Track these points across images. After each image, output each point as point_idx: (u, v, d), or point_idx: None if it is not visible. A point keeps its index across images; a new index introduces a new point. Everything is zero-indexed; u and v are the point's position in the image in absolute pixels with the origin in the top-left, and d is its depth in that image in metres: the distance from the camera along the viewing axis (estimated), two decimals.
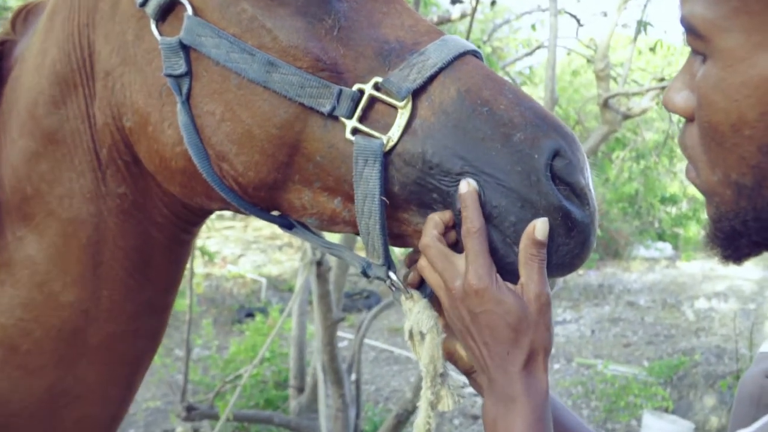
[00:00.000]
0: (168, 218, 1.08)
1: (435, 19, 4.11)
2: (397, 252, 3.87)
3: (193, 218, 1.11)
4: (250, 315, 7.85)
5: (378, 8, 0.93)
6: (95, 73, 1.01)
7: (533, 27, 5.63)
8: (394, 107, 0.87)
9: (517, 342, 0.82)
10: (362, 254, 0.96)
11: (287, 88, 0.87)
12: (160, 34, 0.94)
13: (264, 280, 10.00)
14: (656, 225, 14.04)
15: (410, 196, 0.87)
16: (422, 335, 0.89)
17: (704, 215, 0.81)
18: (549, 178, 0.83)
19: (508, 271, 0.85)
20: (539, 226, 0.82)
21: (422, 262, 0.88)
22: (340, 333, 4.93)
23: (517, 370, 0.82)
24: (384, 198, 0.86)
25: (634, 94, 4.69)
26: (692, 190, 11.25)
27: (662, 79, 5.21)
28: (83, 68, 1.01)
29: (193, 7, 0.93)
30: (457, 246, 0.87)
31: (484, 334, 0.83)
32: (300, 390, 4.69)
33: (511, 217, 0.83)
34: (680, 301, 9.59)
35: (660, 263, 12.53)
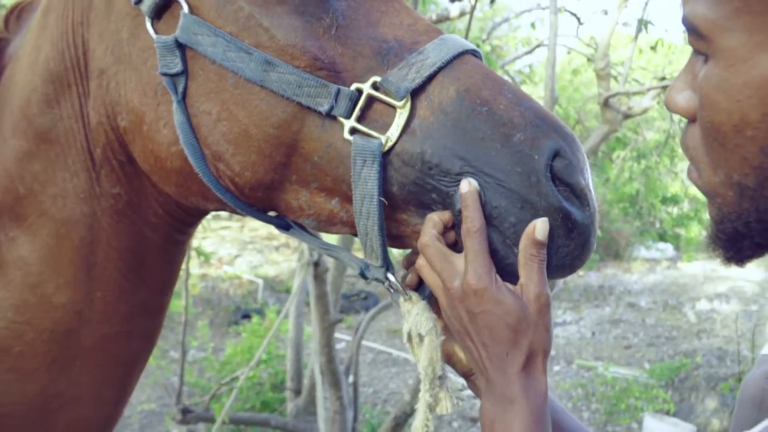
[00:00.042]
0: (163, 218, 1.07)
1: (434, 17, 4.12)
2: (395, 253, 3.85)
3: (188, 218, 1.10)
4: (247, 316, 7.84)
5: (376, 7, 0.92)
6: (89, 72, 1.00)
7: (533, 25, 5.63)
8: (393, 107, 0.86)
9: (517, 343, 0.82)
10: (360, 255, 0.96)
11: (285, 87, 0.86)
12: (156, 32, 0.93)
13: (260, 281, 9.99)
14: (657, 225, 14.02)
15: (409, 197, 0.87)
16: (421, 337, 0.89)
17: (706, 215, 0.81)
18: (549, 178, 0.83)
19: (507, 272, 0.84)
20: (539, 227, 0.81)
21: (420, 262, 0.87)
22: (337, 335, 4.94)
23: (516, 371, 0.82)
24: (382, 199, 0.85)
25: (635, 93, 4.68)
26: (694, 190, 11.23)
27: (663, 78, 5.21)
28: (77, 66, 1.00)
29: (189, 5, 0.92)
30: (455, 247, 0.86)
31: (482, 334, 0.82)
32: (297, 392, 4.68)
33: (511, 217, 0.83)
34: (681, 302, 9.58)
35: (661, 264, 12.52)
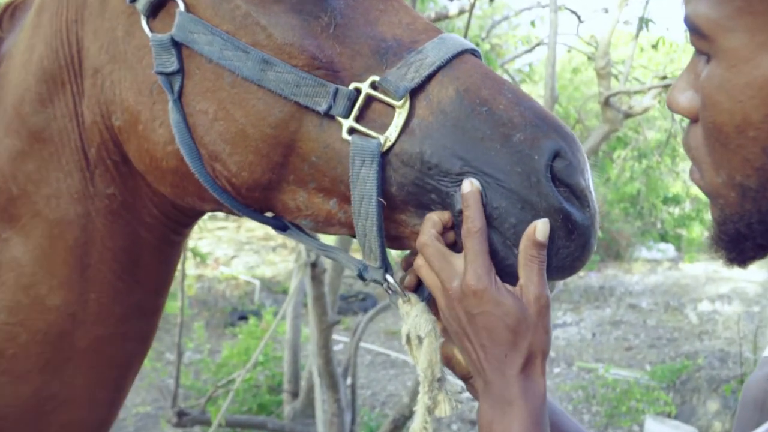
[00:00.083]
0: (158, 219, 1.06)
1: (432, 15, 4.12)
2: (394, 254, 3.81)
3: (183, 219, 1.09)
4: (243, 318, 7.81)
5: (375, 5, 0.92)
6: (83, 71, 0.99)
7: (533, 23, 5.63)
8: (392, 107, 0.86)
9: (516, 345, 0.81)
10: (358, 256, 0.95)
11: (282, 86, 0.86)
12: (151, 30, 0.93)
13: (257, 282, 9.95)
14: (658, 226, 13.99)
15: (408, 197, 0.86)
16: (420, 339, 0.89)
17: (707, 216, 0.83)
18: (549, 179, 0.82)
19: (507, 273, 0.84)
20: (540, 227, 0.81)
21: (419, 261, 0.87)
22: (335, 336, 4.91)
23: (515, 373, 0.81)
24: (381, 199, 0.85)
25: (636, 92, 4.69)
26: (695, 190, 11.19)
27: (664, 77, 5.21)
28: (71, 65, 1.00)
29: (186, 4, 0.91)
30: (454, 247, 0.85)
31: (481, 335, 0.82)
32: (294, 395, 4.71)
33: (511, 218, 0.83)
34: (683, 303, 9.56)
35: (662, 265, 12.49)
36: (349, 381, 3.98)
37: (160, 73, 0.91)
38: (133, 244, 1.05)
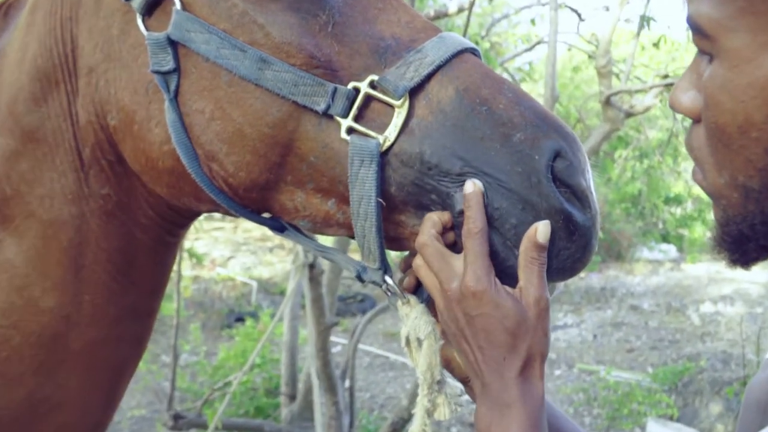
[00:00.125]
0: (153, 220, 1.06)
1: (431, 13, 4.13)
2: (393, 255, 3.79)
3: (179, 220, 1.09)
4: (240, 319, 7.78)
5: (373, 4, 0.92)
6: (78, 69, 0.99)
7: (533, 22, 5.62)
8: (391, 106, 0.86)
9: (515, 347, 0.81)
10: (356, 257, 0.95)
11: (280, 85, 0.86)
12: (147, 29, 0.92)
13: (254, 283, 9.92)
14: (660, 226, 13.94)
15: (407, 198, 0.86)
16: (419, 341, 0.89)
17: (710, 216, 0.85)
18: (550, 179, 0.82)
19: (507, 274, 0.84)
20: (541, 229, 0.81)
21: (418, 261, 0.87)
22: (333, 338, 4.92)
23: (514, 376, 0.81)
24: (380, 200, 0.84)
25: (637, 91, 4.68)
26: (697, 190, 11.16)
27: (666, 76, 5.20)
28: (65, 64, 0.99)
29: (182, 2, 0.91)
30: (454, 248, 0.85)
31: (479, 337, 0.82)
32: (292, 397, 4.76)
33: (512, 219, 0.83)
34: (685, 304, 9.51)
35: (664, 266, 12.44)
36: (347, 383, 3.97)
37: (156, 72, 0.90)
38: (128, 245, 1.05)
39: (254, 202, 0.94)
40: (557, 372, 6.96)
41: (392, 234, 0.90)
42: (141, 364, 1.30)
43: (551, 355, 7.22)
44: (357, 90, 0.86)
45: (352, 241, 0.91)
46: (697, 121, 0.76)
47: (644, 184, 12.52)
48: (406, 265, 0.93)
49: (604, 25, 4.67)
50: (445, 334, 0.90)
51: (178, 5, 0.90)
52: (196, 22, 0.89)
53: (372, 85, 0.86)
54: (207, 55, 0.88)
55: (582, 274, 10.02)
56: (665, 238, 13.55)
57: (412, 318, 0.89)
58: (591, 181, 0.86)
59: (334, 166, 0.87)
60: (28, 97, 1.00)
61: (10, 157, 1.01)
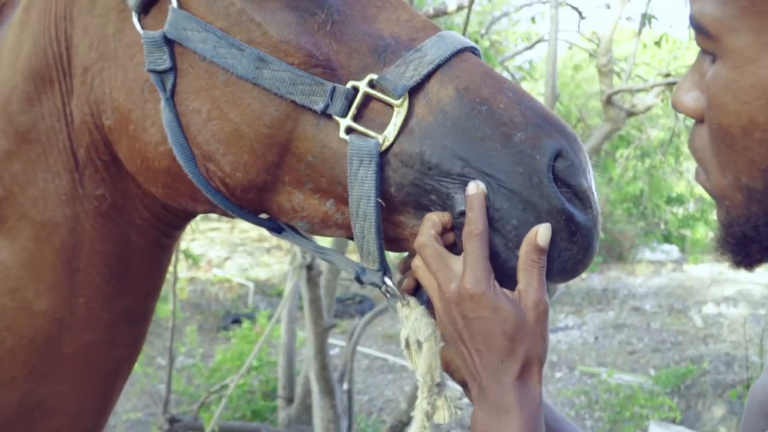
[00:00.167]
0: (148, 221, 1.05)
1: (431, 11, 4.11)
2: (392, 256, 3.75)
3: (175, 221, 1.08)
4: (237, 321, 7.80)
5: (372, 2, 0.91)
6: (73, 69, 0.98)
7: (533, 20, 5.61)
8: (390, 105, 0.85)
9: (513, 351, 0.81)
10: (354, 258, 0.95)
11: (278, 84, 0.85)
12: (143, 27, 0.91)
13: (251, 285, 9.89)
14: (662, 226, 13.87)
15: (407, 198, 0.86)
16: (419, 343, 0.88)
17: (712, 216, 0.84)
18: (551, 179, 0.82)
19: (508, 276, 0.83)
20: (541, 232, 0.81)
21: (417, 262, 0.86)
22: (331, 340, 4.91)
23: (511, 380, 0.81)
24: (380, 200, 0.84)
25: (639, 90, 4.67)
26: (699, 190, 11.11)
27: (668, 75, 5.19)
28: (60, 63, 0.99)
29: (178, 0, 0.90)
30: (454, 249, 0.85)
31: (477, 340, 0.82)
32: (289, 400, 4.82)
33: (513, 220, 0.82)
34: (687, 306, 9.48)
35: (666, 266, 12.40)
36: (345, 386, 3.96)
37: (152, 71, 0.89)
38: (123, 248, 1.04)
39: (251, 203, 0.93)
40: (558, 374, 6.94)
41: (391, 235, 0.89)
42: (136, 367, 1.28)
43: (552, 357, 7.20)
44: (356, 89, 0.85)
45: (351, 242, 0.91)
46: (700, 121, 0.76)
47: (646, 183, 12.47)
48: (406, 267, 0.92)
49: (605, 23, 4.67)
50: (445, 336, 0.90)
51: (174, 3, 0.89)
52: (192, 20, 0.88)
53: (371, 84, 0.85)
54: (204, 54, 0.87)
55: (583, 275, 9.98)
56: (667, 239, 13.49)
57: (412, 320, 0.89)
58: (592, 181, 0.86)
59: (333, 166, 0.86)
60: (22, 97, 0.99)
61: (3, 157, 1.00)
